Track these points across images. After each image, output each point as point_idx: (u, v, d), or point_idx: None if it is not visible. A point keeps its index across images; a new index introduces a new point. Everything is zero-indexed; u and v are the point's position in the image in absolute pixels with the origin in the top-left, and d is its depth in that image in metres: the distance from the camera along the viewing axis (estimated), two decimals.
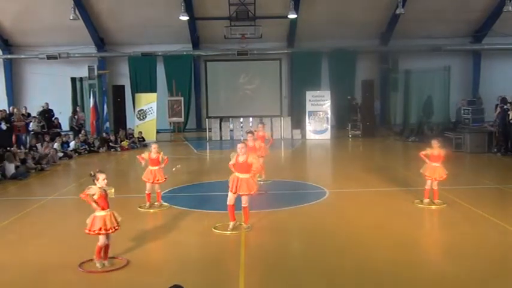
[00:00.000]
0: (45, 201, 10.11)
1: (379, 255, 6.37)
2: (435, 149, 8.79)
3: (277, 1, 21.74)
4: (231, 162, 7.53)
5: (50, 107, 20.25)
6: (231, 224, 7.50)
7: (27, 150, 14.82)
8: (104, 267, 6.03)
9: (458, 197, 9.30)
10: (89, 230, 5.99)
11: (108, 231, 6.00)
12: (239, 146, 7.46)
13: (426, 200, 8.90)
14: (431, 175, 8.74)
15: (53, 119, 20.25)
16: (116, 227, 6.07)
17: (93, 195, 6.00)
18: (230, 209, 7.46)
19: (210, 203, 9.40)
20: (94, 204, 5.99)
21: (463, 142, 16.03)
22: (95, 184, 6.06)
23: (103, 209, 6.01)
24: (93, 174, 6.09)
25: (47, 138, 16.40)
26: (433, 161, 8.78)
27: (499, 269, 5.89)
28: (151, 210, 8.95)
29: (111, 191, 6.16)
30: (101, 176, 6.04)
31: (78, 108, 20.82)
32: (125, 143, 18.89)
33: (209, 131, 21.64)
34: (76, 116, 20.37)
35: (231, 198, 7.44)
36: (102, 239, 6.01)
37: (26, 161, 13.47)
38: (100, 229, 5.95)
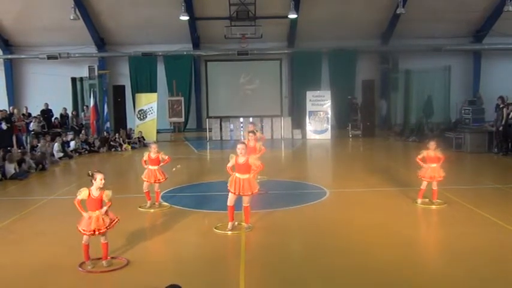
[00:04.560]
0: (45, 201, 10.12)
1: (379, 255, 6.37)
2: (431, 150, 8.79)
3: (277, 1, 21.74)
4: (229, 165, 7.50)
5: (49, 107, 20.32)
6: (230, 224, 7.49)
7: (27, 150, 14.83)
8: (95, 268, 6.02)
9: (458, 197, 9.30)
10: (78, 225, 6.04)
11: (93, 234, 5.96)
12: (239, 147, 7.41)
13: (420, 200, 8.90)
14: (430, 175, 8.74)
15: (53, 119, 20.32)
16: (101, 231, 5.98)
17: (83, 198, 6.02)
18: (230, 209, 7.45)
19: (211, 203, 9.40)
20: (84, 214, 5.99)
21: (463, 142, 16.04)
22: (92, 184, 6.06)
23: (92, 210, 6.00)
24: (91, 173, 6.10)
25: (48, 138, 16.39)
26: (430, 162, 8.78)
27: (499, 269, 5.88)
28: (152, 210, 8.95)
29: (108, 193, 6.09)
30: (99, 176, 6.03)
31: (73, 112, 21.00)
32: (127, 146, 18.83)
33: (209, 131, 21.65)
34: (83, 115, 20.64)
35: (231, 199, 7.42)
36: (84, 237, 6.02)
37: (24, 160, 13.46)
38: (85, 230, 5.95)
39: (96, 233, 5.97)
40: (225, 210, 7.54)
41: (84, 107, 21.80)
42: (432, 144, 8.82)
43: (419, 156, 8.90)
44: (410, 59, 23.01)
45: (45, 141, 15.70)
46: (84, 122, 20.97)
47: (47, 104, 20.28)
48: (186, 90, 23.94)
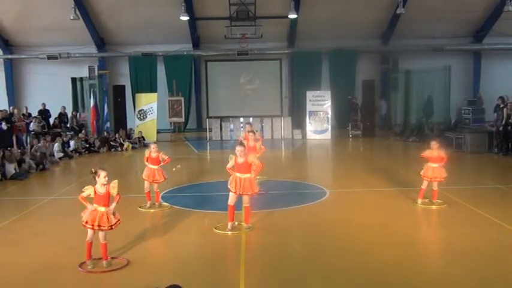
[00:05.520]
0: (45, 201, 10.12)
1: (380, 255, 6.38)
2: (434, 150, 8.80)
3: (277, 1, 21.74)
4: (228, 166, 7.51)
5: (47, 107, 20.30)
6: (229, 224, 7.50)
7: (27, 150, 14.82)
8: (95, 268, 6.03)
9: (458, 197, 9.30)
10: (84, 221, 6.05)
11: (93, 228, 5.97)
12: (238, 149, 7.42)
13: (420, 200, 8.91)
14: (431, 176, 8.75)
15: (54, 119, 20.31)
16: (102, 227, 5.99)
17: (88, 195, 6.05)
18: (231, 209, 7.46)
19: (211, 203, 9.41)
20: (89, 206, 6.02)
21: (464, 142, 16.04)
22: (96, 181, 6.08)
23: (99, 206, 6.03)
24: (94, 171, 6.12)
25: (48, 138, 16.38)
26: (433, 162, 8.79)
27: (499, 269, 5.88)
28: (152, 210, 8.95)
29: (114, 185, 6.11)
30: (102, 173, 6.07)
31: (73, 112, 21.02)
32: (128, 146, 18.81)
33: (209, 131, 21.64)
34: (78, 115, 20.62)
35: (232, 198, 7.43)
36: (89, 234, 6.02)
37: (24, 160, 13.46)
38: (86, 222, 5.97)
39: (97, 228, 5.97)
40: (225, 210, 7.54)
41: (80, 108, 21.65)
42: (434, 144, 8.82)
43: (425, 154, 8.90)
44: (410, 59, 23.00)
45: (45, 141, 15.69)
46: (81, 122, 20.94)
47: (44, 104, 20.27)
48: (186, 90, 23.93)
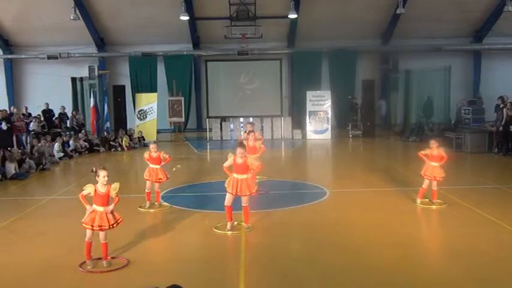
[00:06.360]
0: (45, 201, 10.12)
1: (379, 254, 6.38)
2: (434, 149, 8.80)
3: (277, 1, 21.74)
4: (225, 164, 7.51)
5: (50, 107, 20.30)
6: (228, 224, 7.51)
7: (27, 150, 14.82)
8: (95, 268, 6.04)
9: (458, 197, 9.31)
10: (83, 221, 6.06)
11: (93, 229, 5.98)
12: (239, 151, 7.40)
13: (419, 200, 8.91)
14: (431, 175, 8.76)
15: (54, 119, 20.30)
16: (104, 227, 6.00)
17: (88, 193, 6.06)
18: (228, 210, 7.46)
19: (211, 203, 9.42)
20: (88, 207, 6.03)
21: (464, 142, 16.04)
22: (97, 181, 6.08)
23: (98, 205, 6.03)
24: (94, 170, 6.12)
25: (48, 138, 16.38)
26: (432, 161, 8.79)
27: (499, 269, 5.88)
28: (152, 210, 8.96)
29: (115, 187, 6.12)
30: (102, 173, 6.07)
31: (73, 112, 20.94)
32: (124, 142, 18.82)
33: (209, 131, 21.65)
34: (75, 117, 20.58)
35: (228, 199, 7.43)
36: (88, 234, 6.03)
37: (24, 160, 13.46)
38: (87, 223, 5.98)
39: (97, 228, 5.98)
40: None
41: (73, 112, 21.50)
42: (433, 143, 8.82)
43: (423, 152, 8.91)
44: (410, 59, 22.99)
45: (45, 141, 15.69)
46: (81, 122, 20.93)
47: (47, 104, 20.26)
48: (186, 90, 23.92)
